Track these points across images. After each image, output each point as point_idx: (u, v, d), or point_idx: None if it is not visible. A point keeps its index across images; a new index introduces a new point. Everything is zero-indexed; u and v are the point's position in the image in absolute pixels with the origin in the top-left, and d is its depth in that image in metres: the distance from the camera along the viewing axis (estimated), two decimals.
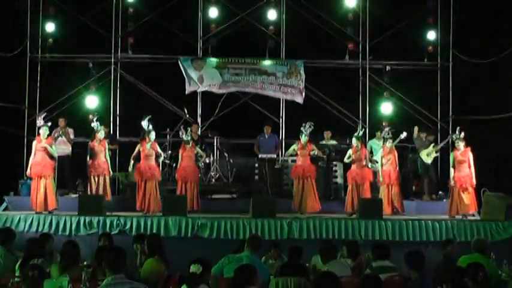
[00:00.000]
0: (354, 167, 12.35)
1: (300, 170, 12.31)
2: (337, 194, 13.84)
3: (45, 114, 12.51)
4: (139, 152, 12.04)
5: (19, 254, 7.21)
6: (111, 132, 14.34)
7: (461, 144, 11.98)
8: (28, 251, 6.82)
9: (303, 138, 12.36)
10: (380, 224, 11.27)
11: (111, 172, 12.33)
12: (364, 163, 12.30)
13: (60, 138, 13.19)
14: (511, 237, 11.32)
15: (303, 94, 15.05)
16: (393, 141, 12.75)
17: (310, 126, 12.36)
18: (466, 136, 12.09)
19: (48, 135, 11.81)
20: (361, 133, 12.58)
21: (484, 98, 14.40)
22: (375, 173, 12.69)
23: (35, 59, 15.22)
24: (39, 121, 11.93)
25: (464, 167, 11.93)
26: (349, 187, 12.30)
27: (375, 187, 12.77)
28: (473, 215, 12.09)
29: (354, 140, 12.40)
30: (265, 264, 7.71)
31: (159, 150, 12.26)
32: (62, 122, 13.51)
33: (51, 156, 11.75)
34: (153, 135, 12.10)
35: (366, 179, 12.26)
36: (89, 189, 12.09)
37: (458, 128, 12.27)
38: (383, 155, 12.56)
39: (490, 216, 11.82)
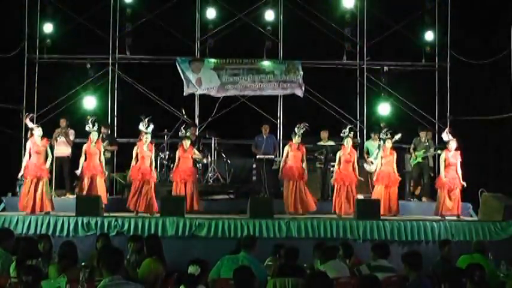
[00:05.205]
0: (342, 167, 12.27)
1: (293, 171, 12.21)
2: None
3: (31, 115, 12.49)
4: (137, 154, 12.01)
5: None
6: (109, 132, 14.30)
7: (452, 146, 12.01)
8: (22, 251, 6.78)
9: (295, 139, 12.29)
10: (378, 224, 11.27)
11: (106, 173, 12.31)
12: (352, 164, 12.22)
13: (59, 139, 13.18)
14: (509, 237, 11.33)
15: (303, 88, 15.04)
16: (391, 142, 12.73)
17: (303, 128, 12.31)
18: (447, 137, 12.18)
19: (43, 137, 11.76)
20: (347, 133, 12.41)
21: (482, 98, 14.41)
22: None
23: (33, 60, 15.19)
24: (29, 123, 11.94)
25: (452, 169, 11.98)
26: (336, 187, 12.18)
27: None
28: (458, 216, 12.00)
29: (345, 140, 12.33)
30: (265, 266, 7.69)
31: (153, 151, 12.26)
32: (63, 122, 13.46)
33: (46, 159, 11.74)
34: (148, 137, 12.04)
35: (353, 180, 12.18)
36: (80, 190, 12.05)
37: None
38: (382, 156, 12.54)
39: (488, 217, 11.84)
